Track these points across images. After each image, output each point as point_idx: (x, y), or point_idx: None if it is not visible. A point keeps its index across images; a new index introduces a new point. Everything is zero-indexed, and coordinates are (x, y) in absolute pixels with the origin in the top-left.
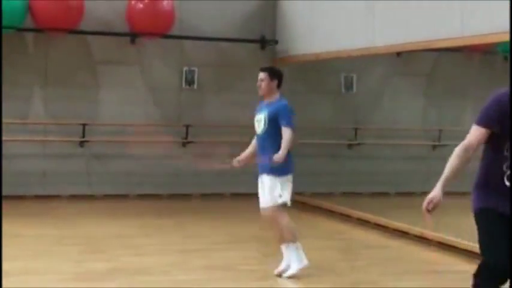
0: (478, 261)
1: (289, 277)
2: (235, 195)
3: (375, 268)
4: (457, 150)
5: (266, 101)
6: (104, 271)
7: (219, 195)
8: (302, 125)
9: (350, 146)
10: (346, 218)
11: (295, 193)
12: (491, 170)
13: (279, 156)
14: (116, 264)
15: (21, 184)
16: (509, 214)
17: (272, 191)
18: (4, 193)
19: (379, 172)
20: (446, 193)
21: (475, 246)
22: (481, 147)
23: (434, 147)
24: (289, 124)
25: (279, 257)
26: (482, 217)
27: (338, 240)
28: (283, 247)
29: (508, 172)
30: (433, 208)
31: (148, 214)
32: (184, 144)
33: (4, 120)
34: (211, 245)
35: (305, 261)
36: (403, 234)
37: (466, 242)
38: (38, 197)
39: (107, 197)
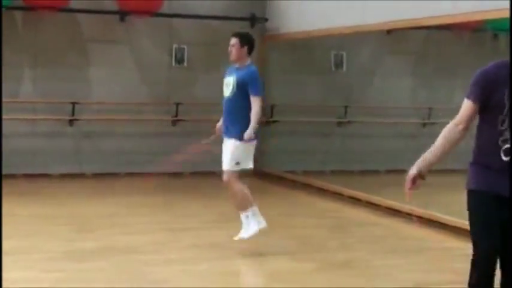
0: (467, 238)
1: (245, 238)
2: None
3: (365, 246)
4: (446, 128)
5: (236, 65)
6: (94, 250)
7: (210, 174)
8: (292, 102)
9: (340, 124)
10: (337, 196)
11: (285, 171)
12: (486, 146)
13: (249, 133)
14: (106, 243)
15: (11, 163)
16: (509, 192)
17: (232, 155)
18: None
19: (370, 150)
20: (436, 170)
21: (464, 224)
22: (475, 124)
23: (424, 125)
24: (258, 93)
25: (267, 235)
26: (473, 200)
27: (329, 218)
28: (242, 216)
29: (505, 146)
30: (410, 187)
31: (138, 193)
32: (174, 123)
33: None
34: (201, 224)
35: (263, 223)
36: (394, 212)
37: (455, 219)
38: (27, 176)
39: (97, 176)
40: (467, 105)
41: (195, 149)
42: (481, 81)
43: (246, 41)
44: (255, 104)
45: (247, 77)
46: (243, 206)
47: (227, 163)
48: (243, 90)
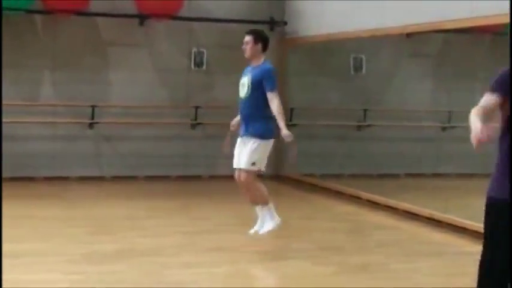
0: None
1: (264, 233)
2: None
3: (384, 249)
4: (471, 112)
5: (251, 65)
6: (113, 252)
7: (228, 177)
8: (311, 106)
9: (359, 127)
10: (355, 199)
11: (303, 175)
12: (508, 152)
13: (285, 132)
14: (124, 246)
15: (31, 166)
16: (510, 195)
17: (250, 154)
18: (14, 175)
19: (389, 154)
20: (456, 175)
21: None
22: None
23: (443, 128)
24: (273, 89)
25: (287, 237)
26: (490, 209)
27: (347, 222)
28: (257, 209)
29: None
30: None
31: (157, 196)
32: (193, 126)
33: (14, 102)
34: (219, 227)
35: (278, 219)
36: (412, 216)
37: (475, 224)
38: (47, 179)
39: (116, 179)
40: (487, 96)
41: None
42: (502, 78)
43: (260, 38)
44: (273, 100)
45: (262, 74)
46: (261, 201)
47: (245, 163)
48: (258, 89)
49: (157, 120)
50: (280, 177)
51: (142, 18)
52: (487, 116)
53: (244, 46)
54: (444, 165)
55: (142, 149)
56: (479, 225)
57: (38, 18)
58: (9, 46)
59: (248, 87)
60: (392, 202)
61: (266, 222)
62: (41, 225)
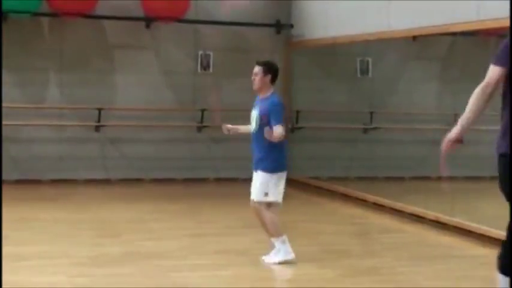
0: (493, 246)
1: (270, 263)
2: (250, 180)
3: (390, 252)
4: (475, 92)
5: (260, 96)
6: (120, 255)
7: (233, 180)
8: (317, 109)
9: (365, 130)
10: (361, 202)
11: (310, 177)
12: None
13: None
14: (130, 249)
15: (37, 168)
16: (509, 192)
17: (262, 187)
18: (20, 177)
19: (395, 156)
20: (462, 177)
21: (490, 231)
22: (501, 95)
23: (450, 131)
24: (278, 122)
25: (292, 241)
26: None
27: (354, 225)
28: (272, 240)
29: None
30: (449, 146)
31: (163, 198)
32: (199, 129)
33: (20, 105)
34: (225, 230)
35: (291, 255)
36: (418, 218)
37: (481, 227)
38: (53, 182)
39: (122, 182)
40: (494, 69)
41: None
42: (506, 50)
43: (270, 69)
44: (277, 129)
45: (270, 108)
46: (273, 233)
47: (256, 194)
48: (266, 124)
49: (164, 123)
50: (286, 180)
51: (148, 20)
52: (490, 94)
53: (253, 77)
54: (450, 168)
55: (148, 151)
56: (485, 228)
57: (44, 20)
58: (16, 49)
59: (256, 122)
60: (398, 205)
61: (279, 253)
62: (47, 227)
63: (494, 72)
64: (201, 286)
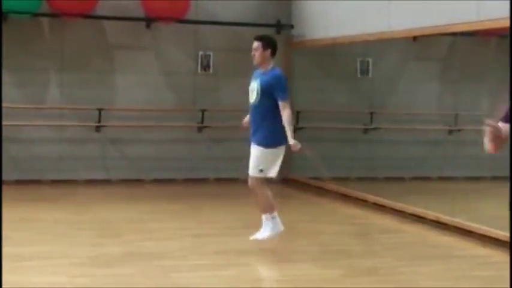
0: (493, 246)
1: (258, 239)
2: None
3: (391, 252)
4: None
5: (260, 70)
6: (121, 255)
7: (234, 180)
8: (318, 109)
9: (366, 130)
10: (362, 202)
11: (310, 178)
12: None
13: (292, 142)
14: (132, 249)
15: (38, 169)
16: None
17: (256, 161)
18: (20, 178)
19: (395, 157)
20: (463, 178)
21: (491, 231)
22: None
23: (450, 131)
24: (284, 97)
25: (292, 241)
26: None
27: (354, 225)
28: (263, 217)
29: None
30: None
31: (164, 199)
32: (199, 129)
33: (20, 105)
34: (226, 230)
35: (280, 227)
36: (419, 219)
37: (482, 227)
38: (53, 182)
39: (123, 182)
40: None
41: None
42: None
43: (269, 43)
44: (285, 109)
45: (272, 81)
46: (265, 209)
47: (251, 169)
48: (268, 95)
49: (164, 123)
50: (286, 180)
51: (149, 21)
52: None
53: (253, 52)
54: (450, 168)
55: (148, 152)
56: (486, 229)
57: (45, 21)
58: (16, 49)
59: (257, 94)
60: (398, 205)
61: (266, 229)
62: (47, 228)
63: None
64: (201, 286)
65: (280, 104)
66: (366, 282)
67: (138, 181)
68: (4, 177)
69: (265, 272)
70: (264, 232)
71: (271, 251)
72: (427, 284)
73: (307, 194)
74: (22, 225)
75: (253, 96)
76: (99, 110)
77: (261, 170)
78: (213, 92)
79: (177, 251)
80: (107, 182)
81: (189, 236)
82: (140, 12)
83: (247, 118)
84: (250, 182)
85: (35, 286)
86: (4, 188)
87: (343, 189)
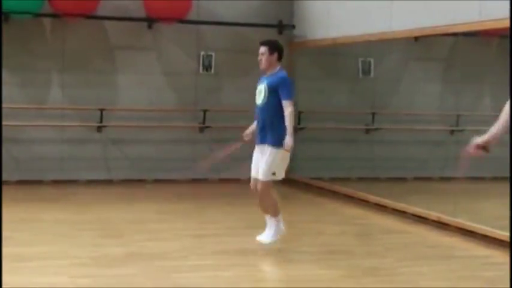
0: (495, 246)
1: (261, 242)
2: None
3: (392, 253)
4: (505, 106)
5: (267, 73)
6: (122, 256)
7: (235, 180)
8: (319, 109)
9: (367, 131)
10: (363, 203)
11: (312, 178)
12: None
13: (288, 141)
14: (133, 249)
15: (39, 169)
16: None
17: (270, 165)
18: (22, 178)
19: (397, 157)
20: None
21: (492, 232)
22: None
23: (451, 132)
24: (289, 97)
25: (294, 241)
26: None
27: (356, 225)
28: (267, 217)
29: None
30: (472, 152)
31: (165, 199)
32: (201, 129)
33: (22, 105)
34: (227, 230)
35: (283, 229)
36: (420, 219)
37: (484, 227)
38: (55, 182)
39: (124, 182)
40: None
41: (225, 152)
42: None
43: (275, 48)
44: (288, 107)
45: (278, 80)
46: (271, 212)
47: (263, 173)
48: (274, 96)
49: (166, 123)
50: (288, 180)
51: (150, 21)
52: None
53: (259, 57)
54: (452, 169)
55: (150, 152)
56: (488, 229)
57: (46, 21)
58: (18, 49)
59: (264, 94)
60: (400, 205)
61: (270, 233)
62: (48, 228)
63: None
64: (202, 287)
65: (284, 102)
66: (368, 282)
67: (140, 181)
68: (5, 178)
69: (267, 272)
70: (269, 235)
71: (272, 251)
72: (428, 284)
73: (308, 195)
74: (23, 225)
75: (260, 97)
76: (101, 110)
77: (274, 173)
78: (214, 92)
79: (178, 251)
80: (108, 182)
81: (190, 236)
82: (142, 13)
83: (250, 129)
84: (261, 187)
85: (36, 286)
86: (5, 188)
87: (344, 189)
